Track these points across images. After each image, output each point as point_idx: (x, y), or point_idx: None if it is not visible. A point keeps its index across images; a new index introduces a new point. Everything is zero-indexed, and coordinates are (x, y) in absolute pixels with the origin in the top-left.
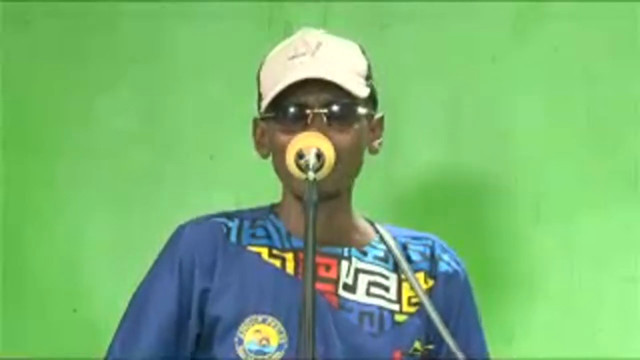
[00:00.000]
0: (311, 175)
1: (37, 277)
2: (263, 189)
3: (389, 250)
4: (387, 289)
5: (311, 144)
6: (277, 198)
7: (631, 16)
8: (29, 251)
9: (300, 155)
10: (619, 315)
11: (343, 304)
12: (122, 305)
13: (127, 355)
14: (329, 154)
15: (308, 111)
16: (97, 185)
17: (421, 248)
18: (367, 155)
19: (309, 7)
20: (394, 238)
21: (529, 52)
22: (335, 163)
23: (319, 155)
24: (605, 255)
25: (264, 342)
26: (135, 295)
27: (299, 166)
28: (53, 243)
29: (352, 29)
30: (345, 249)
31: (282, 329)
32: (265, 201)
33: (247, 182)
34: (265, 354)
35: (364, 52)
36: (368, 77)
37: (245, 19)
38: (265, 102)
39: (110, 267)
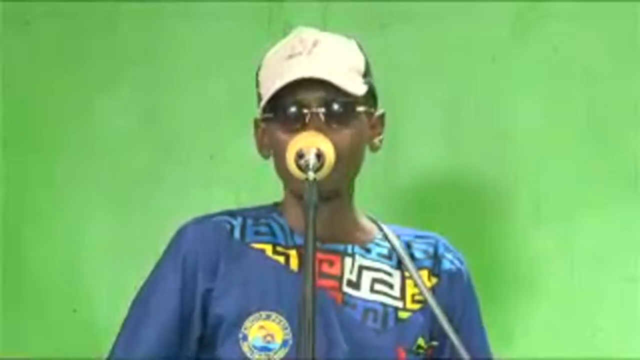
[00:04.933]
0: (311, 175)
1: (37, 277)
2: (263, 188)
3: (392, 247)
4: (391, 286)
5: (311, 144)
6: (277, 197)
7: (631, 16)
8: (29, 251)
9: (300, 155)
10: (619, 315)
11: (347, 300)
12: (122, 305)
13: (130, 356)
14: (329, 154)
15: (306, 111)
16: (97, 185)
17: (424, 246)
18: (367, 155)
19: (308, 7)
20: (398, 236)
21: (529, 52)
22: (335, 162)
23: (319, 155)
24: (605, 255)
25: (268, 338)
26: (138, 296)
27: (299, 166)
28: (53, 243)
29: (352, 29)
30: (349, 246)
31: (287, 325)
32: (265, 201)
33: (247, 182)
34: (270, 350)
35: (361, 48)
36: (366, 74)
37: (245, 19)
38: (263, 102)
39: (110, 267)
